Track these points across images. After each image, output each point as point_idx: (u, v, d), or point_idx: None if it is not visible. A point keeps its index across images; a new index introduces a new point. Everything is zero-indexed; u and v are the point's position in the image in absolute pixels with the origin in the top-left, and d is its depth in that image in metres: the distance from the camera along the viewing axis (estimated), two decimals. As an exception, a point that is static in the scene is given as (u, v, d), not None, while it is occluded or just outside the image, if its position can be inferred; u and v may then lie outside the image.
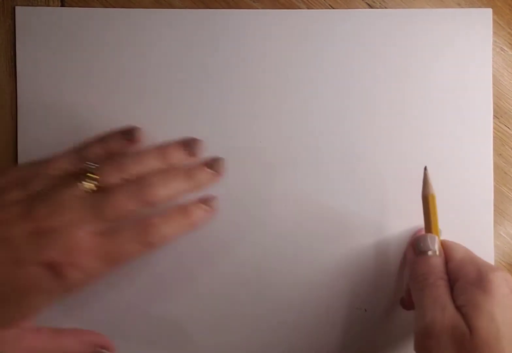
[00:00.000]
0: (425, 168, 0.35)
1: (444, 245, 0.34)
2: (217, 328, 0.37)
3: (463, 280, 0.30)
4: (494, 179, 0.38)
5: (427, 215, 0.34)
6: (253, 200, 0.37)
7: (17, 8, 0.36)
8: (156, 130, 0.37)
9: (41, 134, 0.36)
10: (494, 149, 0.38)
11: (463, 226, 0.38)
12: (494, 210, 0.38)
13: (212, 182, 0.32)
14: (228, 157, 0.37)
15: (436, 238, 0.34)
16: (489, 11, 0.38)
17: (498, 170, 0.38)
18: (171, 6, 0.37)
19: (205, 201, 0.31)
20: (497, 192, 0.38)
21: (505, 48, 0.38)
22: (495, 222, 0.38)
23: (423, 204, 0.35)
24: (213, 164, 0.32)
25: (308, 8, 0.37)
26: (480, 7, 0.38)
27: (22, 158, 0.36)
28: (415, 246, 0.33)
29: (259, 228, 0.37)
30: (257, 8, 0.37)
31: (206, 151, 0.36)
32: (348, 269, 0.37)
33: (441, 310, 0.30)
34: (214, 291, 0.37)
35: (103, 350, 0.34)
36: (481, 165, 0.38)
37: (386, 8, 0.37)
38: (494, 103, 0.38)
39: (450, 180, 0.38)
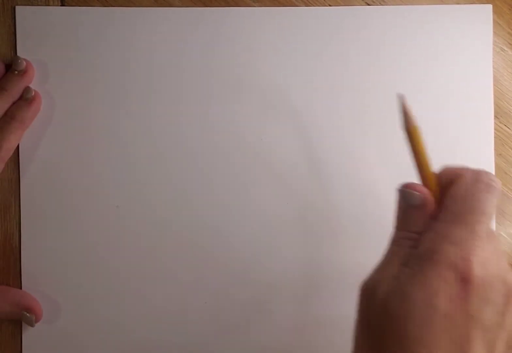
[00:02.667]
0: (401, 96, 0.29)
1: (446, 176, 0.29)
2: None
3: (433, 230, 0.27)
4: (494, 179, 0.38)
5: (416, 151, 0.30)
6: (243, 198, 0.37)
7: (17, 8, 0.36)
8: (157, 127, 0.37)
9: (42, 129, 0.36)
10: (494, 149, 0.38)
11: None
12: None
13: (22, 81, 0.35)
14: (230, 154, 0.37)
15: (415, 194, 0.29)
16: (489, 7, 0.37)
17: (499, 171, 0.38)
18: (170, 5, 0.37)
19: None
20: (497, 192, 0.38)
21: (505, 48, 0.38)
22: (495, 222, 0.38)
23: (408, 138, 0.30)
24: (15, 64, 0.35)
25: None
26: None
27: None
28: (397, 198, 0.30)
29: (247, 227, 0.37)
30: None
31: (207, 149, 0.37)
32: (343, 268, 0.37)
33: (381, 271, 0.28)
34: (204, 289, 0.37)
35: (29, 314, 0.35)
36: (482, 165, 0.38)
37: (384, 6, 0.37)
38: (494, 103, 0.38)
39: (450, 180, 0.37)
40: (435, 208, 0.28)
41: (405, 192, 0.29)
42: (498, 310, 0.25)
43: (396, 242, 0.28)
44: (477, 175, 0.27)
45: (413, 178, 0.35)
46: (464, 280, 0.24)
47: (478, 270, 0.25)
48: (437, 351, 0.24)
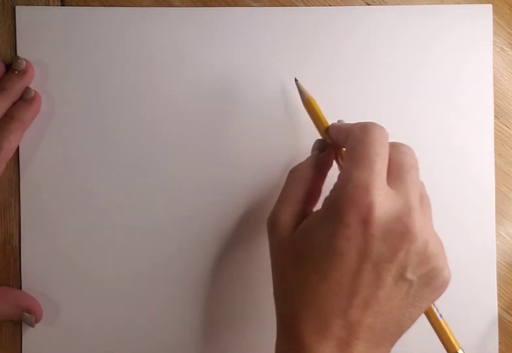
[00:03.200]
0: (296, 80, 0.35)
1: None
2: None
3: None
4: (495, 179, 0.38)
5: (315, 117, 0.34)
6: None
7: (17, 8, 0.36)
8: (157, 127, 0.37)
9: (42, 129, 0.36)
10: (494, 149, 0.38)
11: (465, 225, 0.38)
12: (495, 210, 0.38)
13: (22, 81, 0.35)
14: (233, 154, 0.37)
15: (319, 142, 0.34)
16: (489, 7, 0.38)
17: (499, 170, 0.38)
18: (170, 5, 0.37)
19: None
20: (498, 192, 0.38)
21: (505, 48, 0.38)
22: (495, 221, 0.38)
23: (307, 109, 0.35)
24: (15, 64, 0.35)
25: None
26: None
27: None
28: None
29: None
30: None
31: (209, 148, 0.37)
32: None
33: (277, 206, 0.32)
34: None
35: (30, 315, 0.35)
36: (482, 165, 0.38)
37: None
38: (494, 103, 0.38)
39: (451, 179, 0.38)
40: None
41: (315, 142, 0.34)
42: (391, 246, 0.27)
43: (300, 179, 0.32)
44: (364, 125, 0.30)
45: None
46: (364, 222, 0.27)
47: (379, 212, 0.27)
48: (328, 280, 0.27)
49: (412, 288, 0.28)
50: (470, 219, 0.38)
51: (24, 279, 0.37)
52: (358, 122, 0.31)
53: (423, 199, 0.30)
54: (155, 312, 0.37)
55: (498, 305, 0.38)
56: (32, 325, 0.35)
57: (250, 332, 0.37)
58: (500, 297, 0.38)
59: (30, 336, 0.36)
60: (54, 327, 0.37)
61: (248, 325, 0.37)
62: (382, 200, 0.27)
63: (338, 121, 0.34)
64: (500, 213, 0.38)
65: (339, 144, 0.32)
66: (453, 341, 0.31)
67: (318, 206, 0.33)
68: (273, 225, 0.32)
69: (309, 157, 0.33)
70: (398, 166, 0.29)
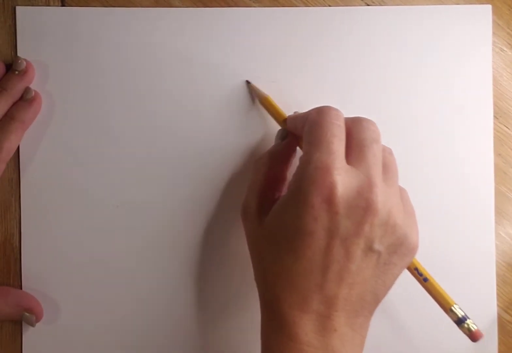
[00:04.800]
0: (247, 81, 0.37)
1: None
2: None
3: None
4: (494, 179, 0.38)
5: (274, 113, 0.36)
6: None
7: (18, 8, 0.36)
8: (157, 127, 0.37)
9: (42, 130, 0.36)
10: (493, 150, 0.38)
11: (464, 226, 0.38)
12: (494, 210, 0.38)
13: (23, 81, 0.35)
14: (231, 154, 0.37)
15: (280, 131, 0.35)
16: (488, 8, 0.38)
17: (498, 171, 0.38)
18: (170, 5, 0.37)
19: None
20: (497, 192, 0.38)
21: (505, 49, 0.38)
22: (494, 221, 0.38)
23: (265, 107, 0.36)
24: (16, 64, 0.35)
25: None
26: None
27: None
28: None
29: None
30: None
31: (209, 148, 0.37)
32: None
33: (247, 194, 0.34)
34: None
35: (30, 314, 0.35)
36: (481, 165, 0.38)
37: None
38: (493, 103, 0.38)
39: (451, 180, 0.38)
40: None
41: (277, 132, 0.35)
42: (356, 221, 0.29)
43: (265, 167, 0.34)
44: (318, 109, 0.31)
45: (414, 179, 0.35)
46: (328, 201, 0.28)
47: (340, 190, 0.28)
48: (301, 259, 0.29)
49: (381, 257, 0.30)
50: (469, 219, 0.38)
51: (24, 278, 0.37)
52: (313, 108, 0.32)
53: (388, 170, 0.31)
54: (155, 312, 0.37)
55: (497, 305, 0.38)
56: (32, 325, 0.36)
57: (242, 321, 0.37)
58: (499, 297, 0.38)
59: (31, 336, 0.37)
60: (54, 326, 0.37)
61: (239, 316, 0.37)
62: (343, 178, 0.29)
63: (294, 112, 0.36)
64: (499, 213, 0.38)
65: (299, 132, 0.33)
66: (447, 298, 0.33)
67: (284, 192, 0.34)
68: (244, 214, 0.34)
69: (271, 147, 0.35)
70: (359, 142, 0.31)
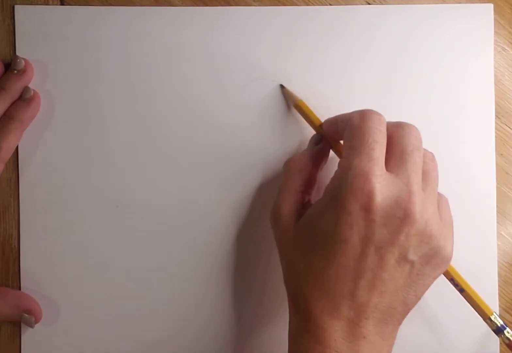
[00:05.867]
0: (281, 86, 0.36)
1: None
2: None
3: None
4: (496, 179, 0.38)
5: (308, 118, 0.35)
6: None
7: (17, 7, 0.36)
8: (157, 127, 0.37)
9: (41, 129, 0.36)
10: (495, 149, 0.38)
11: (466, 226, 0.37)
12: (496, 210, 0.38)
13: (21, 81, 0.35)
14: (232, 154, 0.37)
15: (315, 136, 0.35)
16: (490, 7, 0.37)
17: (500, 170, 0.38)
18: (170, 4, 0.37)
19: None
20: (499, 192, 0.38)
21: (506, 48, 0.38)
22: (496, 222, 0.38)
23: (300, 112, 0.36)
24: (14, 63, 0.35)
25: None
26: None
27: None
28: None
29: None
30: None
31: (209, 148, 0.36)
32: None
33: (278, 197, 0.33)
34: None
35: (29, 316, 0.35)
36: (483, 165, 0.38)
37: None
38: (495, 103, 0.38)
39: (452, 179, 0.37)
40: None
41: (311, 137, 0.35)
42: (392, 230, 0.29)
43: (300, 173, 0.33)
44: (361, 114, 0.31)
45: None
46: (366, 209, 0.28)
47: (378, 198, 0.28)
48: (334, 265, 0.29)
49: (415, 268, 0.30)
50: (471, 219, 0.38)
51: (23, 279, 0.36)
52: (355, 111, 0.31)
53: (428, 177, 0.31)
54: (155, 312, 0.37)
55: (499, 306, 0.38)
56: (31, 326, 0.35)
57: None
58: (501, 297, 0.38)
59: (29, 337, 0.36)
60: (53, 327, 0.36)
61: (250, 326, 0.37)
62: (382, 186, 0.29)
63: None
64: (501, 213, 0.38)
65: (338, 136, 0.33)
66: (485, 308, 0.33)
67: (314, 195, 0.34)
68: (276, 217, 0.33)
69: (304, 150, 0.35)
70: (400, 149, 0.30)
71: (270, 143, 0.37)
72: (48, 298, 0.36)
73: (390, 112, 0.37)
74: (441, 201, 0.32)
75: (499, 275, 0.38)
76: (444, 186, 0.37)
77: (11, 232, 0.37)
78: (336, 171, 0.30)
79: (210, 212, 0.37)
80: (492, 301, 0.37)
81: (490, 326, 0.33)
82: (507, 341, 0.33)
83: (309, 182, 0.34)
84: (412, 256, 0.29)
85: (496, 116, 0.38)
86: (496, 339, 0.37)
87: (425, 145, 0.37)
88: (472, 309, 0.34)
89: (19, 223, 0.36)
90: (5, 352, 0.36)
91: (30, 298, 0.36)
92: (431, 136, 0.37)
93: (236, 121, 0.37)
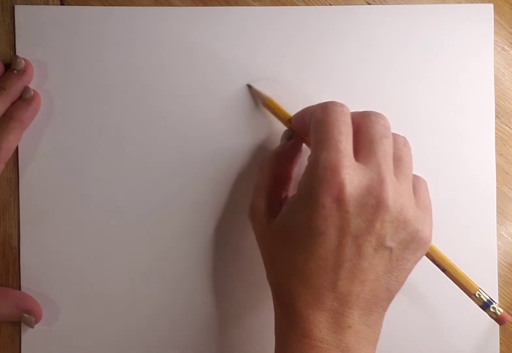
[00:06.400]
0: (248, 85, 0.36)
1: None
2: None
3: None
4: (496, 179, 0.38)
5: (278, 114, 0.35)
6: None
7: (17, 7, 0.36)
8: (157, 127, 0.37)
9: (41, 129, 0.36)
10: (495, 149, 0.38)
11: (465, 226, 0.37)
12: (496, 210, 0.38)
13: (21, 81, 0.35)
14: (232, 154, 0.37)
15: (286, 132, 0.35)
16: (490, 7, 0.37)
17: (500, 171, 0.38)
18: (170, 4, 0.37)
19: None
20: (499, 192, 0.38)
21: (506, 48, 0.38)
22: (496, 222, 0.38)
23: (269, 108, 0.36)
24: (14, 63, 0.35)
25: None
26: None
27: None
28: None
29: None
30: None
31: (209, 148, 0.36)
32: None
33: (254, 195, 0.34)
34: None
35: (29, 316, 0.35)
36: (483, 165, 0.38)
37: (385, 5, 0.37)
38: (495, 103, 0.38)
39: (452, 180, 0.37)
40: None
41: (283, 133, 0.35)
42: (367, 219, 0.29)
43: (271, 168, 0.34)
44: (323, 107, 0.31)
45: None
46: (338, 201, 0.29)
47: (349, 189, 0.29)
48: (313, 258, 0.29)
49: (393, 253, 0.30)
50: (471, 219, 0.38)
51: (23, 279, 0.36)
52: (318, 104, 0.32)
53: (400, 164, 0.31)
54: (155, 312, 0.37)
55: (499, 306, 0.38)
56: (31, 326, 0.35)
57: (254, 320, 0.37)
58: (501, 297, 0.38)
59: (29, 337, 0.36)
60: (53, 327, 0.36)
61: (250, 325, 0.37)
62: (351, 177, 0.29)
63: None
64: (501, 213, 0.38)
65: (306, 129, 0.33)
66: (471, 284, 0.33)
67: (291, 191, 0.34)
68: (252, 215, 0.34)
69: (277, 147, 0.35)
70: (368, 138, 0.30)
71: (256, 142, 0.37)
72: (48, 298, 0.36)
73: (390, 112, 0.37)
74: (418, 184, 0.32)
75: (499, 275, 0.38)
76: (444, 186, 0.37)
77: (11, 232, 0.36)
78: (306, 166, 0.31)
79: (212, 212, 0.37)
80: (492, 301, 0.37)
81: (476, 303, 0.33)
82: (494, 316, 0.33)
83: (284, 178, 0.34)
84: (389, 243, 0.29)
85: (496, 116, 0.38)
86: (496, 340, 0.37)
87: (426, 145, 0.37)
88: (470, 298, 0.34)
89: (19, 223, 0.36)
90: (5, 352, 0.36)
91: (30, 298, 0.36)
92: (431, 136, 0.38)
93: (236, 121, 0.37)
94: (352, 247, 0.29)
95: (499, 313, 0.33)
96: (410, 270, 0.31)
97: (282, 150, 0.35)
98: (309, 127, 0.32)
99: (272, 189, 0.34)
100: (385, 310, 0.31)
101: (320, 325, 0.29)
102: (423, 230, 0.30)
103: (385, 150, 0.30)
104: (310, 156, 0.31)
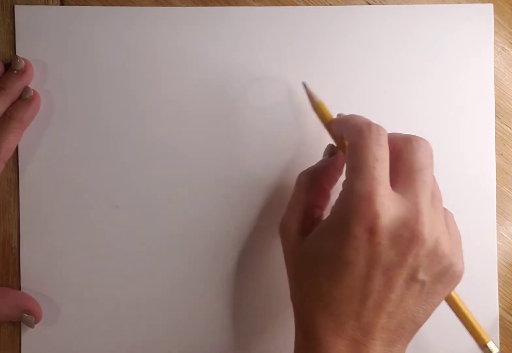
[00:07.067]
0: (304, 83, 0.35)
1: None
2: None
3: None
4: (496, 179, 0.38)
5: (326, 120, 0.34)
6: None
7: (17, 7, 0.36)
8: (157, 127, 0.37)
9: (41, 129, 0.36)
10: (495, 149, 0.38)
11: (466, 226, 0.37)
12: (496, 210, 0.38)
13: (21, 81, 0.35)
14: (232, 155, 0.37)
15: (329, 146, 0.34)
16: (490, 7, 0.37)
17: (500, 171, 0.38)
18: (170, 4, 0.37)
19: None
20: (499, 192, 0.38)
21: (506, 48, 0.38)
22: (496, 222, 0.38)
23: (317, 113, 0.34)
24: (14, 63, 0.35)
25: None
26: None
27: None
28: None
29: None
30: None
31: (209, 148, 0.36)
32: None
33: (287, 212, 0.33)
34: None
35: (29, 316, 0.35)
36: (483, 165, 0.38)
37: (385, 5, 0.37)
38: (495, 103, 0.38)
39: (453, 179, 0.37)
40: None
41: (326, 147, 0.34)
42: (400, 252, 0.28)
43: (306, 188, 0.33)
44: (359, 131, 0.29)
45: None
46: (371, 231, 0.27)
47: (384, 220, 0.27)
48: (340, 286, 0.28)
49: (425, 287, 0.29)
50: (471, 219, 0.37)
51: (23, 279, 0.36)
52: (354, 124, 0.30)
53: (434, 197, 0.30)
54: (155, 312, 0.37)
55: (499, 306, 0.38)
56: (31, 326, 0.35)
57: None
58: (501, 297, 0.38)
59: (29, 337, 0.36)
60: (53, 327, 0.36)
61: (249, 325, 0.37)
62: (387, 207, 0.28)
63: (338, 115, 0.34)
64: (501, 213, 0.38)
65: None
66: (482, 335, 0.32)
67: (327, 210, 0.33)
68: (283, 231, 0.33)
69: (317, 162, 0.34)
70: (409, 166, 0.29)
71: (274, 144, 0.37)
72: (48, 298, 0.36)
73: (390, 112, 0.37)
74: (447, 217, 0.31)
75: (499, 275, 0.38)
76: (444, 186, 0.37)
77: (11, 232, 0.36)
78: (340, 193, 0.30)
79: (212, 213, 0.37)
80: (492, 302, 0.37)
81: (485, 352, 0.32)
82: None
83: (321, 196, 0.33)
84: (422, 276, 0.28)
85: (496, 116, 0.38)
86: (496, 341, 0.37)
87: (425, 145, 0.37)
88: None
89: (19, 223, 0.36)
90: (5, 352, 0.36)
91: (30, 298, 0.36)
92: (431, 136, 0.37)
93: (236, 121, 0.37)
94: (382, 279, 0.28)
95: None
96: (439, 303, 0.30)
97: (321, 167, 0.33)
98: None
99: (306, 206, 0.32)
100: (408, 341, 0.30)
101: None
102: (457, 264, 0.29)
103: (425, 181, 0.29)
104: (344, 183, 0.29)
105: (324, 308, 0.29)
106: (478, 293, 0.37)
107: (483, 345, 0.32)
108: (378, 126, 0.29)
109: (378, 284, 0.28)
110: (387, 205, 0.28)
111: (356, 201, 0.28)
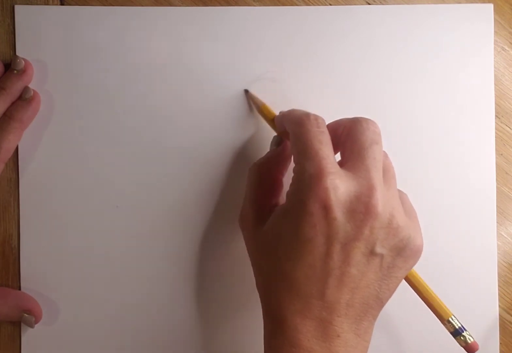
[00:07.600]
0: (246, 91, 0.37)
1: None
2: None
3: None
4: (496, 179, 0.38)
5: (268, 119, 0.35)
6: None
7: (17, 7, 0.36)
8: (157, 127, 0.37)
9: (41, 129, 0.36)
10: (495, 149, 0.38)
11: (466, 226, 0.37)
12: (496, 210, 0.38)
13: (21, 81, 0.35)
14: (232, 154, 0.37)
15: (275, 138, 0.35)
16: (490, 7, 0.37)
17: (500, 171, 0.38)
18: (170, 4, 0.37)
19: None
20: (498, 192, 0.38)
21: (506, 48, 0.38)
22: (496, 222, 0.38)
23: (262, 115, 0.36)
24: (14, 63, 0.35)
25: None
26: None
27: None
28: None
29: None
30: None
31: (209, 148, 0.36)
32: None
33: (244, 203, 0.34)
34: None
35: (29, 316, 0.35)
36: (483, 165, 0.38)
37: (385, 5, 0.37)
38: (495, 103, 0.38)
39: (452, 180, 0.37)
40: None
41: (272, 139, 0.35)
42: (355, 226, 0.28)
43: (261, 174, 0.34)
44: (299, 120, 0.31)
45: (415, 179, 0.35)
46: (325, 207, 0.28)
47: (336, 195, 0.28)
48: (301, 266, 0.29)
49: (384, 261, 0.29)
50: (471, 219, 0.38)
51: (23, 279, 0.36)
52: (293, 116, 0.32)
53: (386, 172, 0.31)
54: (154, 312, 0.37)
55: (499, 306, 0.38)
56: (31, 326, 0.35)
57: (243, 326, 0.37)
58: (501, 297, 0.38)
59: (29, 337, 0.36)
60: (53, 327, 0.36)
61: (240, 321, 0.37)
62: (338, 182, 0.29)
63: (280, 112, 0.35)
64: (501, 213, 0.38)
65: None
66: (445, 309, 0.32)
67: (282, 198, 0.34)
68: (242, 222, 0.34)
69: (266, 153, 0.35)
70: (358, 144, 0.30)
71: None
72: (48, 298, 0.36)
73: (390, 112, 0.37)
74: (402, 195, 0.32)
75: (499, 275, 0.38)
76: (444, 186, 0.37)
77: (11, 232, 0.36)
78: (292, 177, 0.30)
79: (211, 213, 0.37)
80: (492, 302, 0.37)
81: (448, 329, 0.32)
82: (463, 344, 0.32)
83: (274, 185, 0.34)
84: (380, 249, 0.29)
85: (496, 116, 0.38)
86: (495, 340, 0.37)
87: (426, 145, 0.37)
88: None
89: (19, 223, 0.36)
90: (5, 352, 0.36)
91: (30, 298, 0.36)
92: (431, 136, 0.38)
93: (236, 121, 0.37)
94: (341, 255, 0.28)
95: (469, 342, 0.32)
96: (402, 278, 0.30)
97: (270, 157, 0.34)
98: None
99: (260, 195, 0.33)
100: (375, 318, 0.30)
101: (308, 334, 0.28)
102: (415, 237, 0.30)
103: (375, 157, 0.30)
104: (294, 167, 0.30)
105: (289, 290, 0.29)
106: (478, 293, 0.37)
107: (445, 321, 0.32)
108: (316, 115, 0.31)
109: (338, 259, 0.28)
110: (339, 180, 0.29)
111: (308, 179, 0.29)
